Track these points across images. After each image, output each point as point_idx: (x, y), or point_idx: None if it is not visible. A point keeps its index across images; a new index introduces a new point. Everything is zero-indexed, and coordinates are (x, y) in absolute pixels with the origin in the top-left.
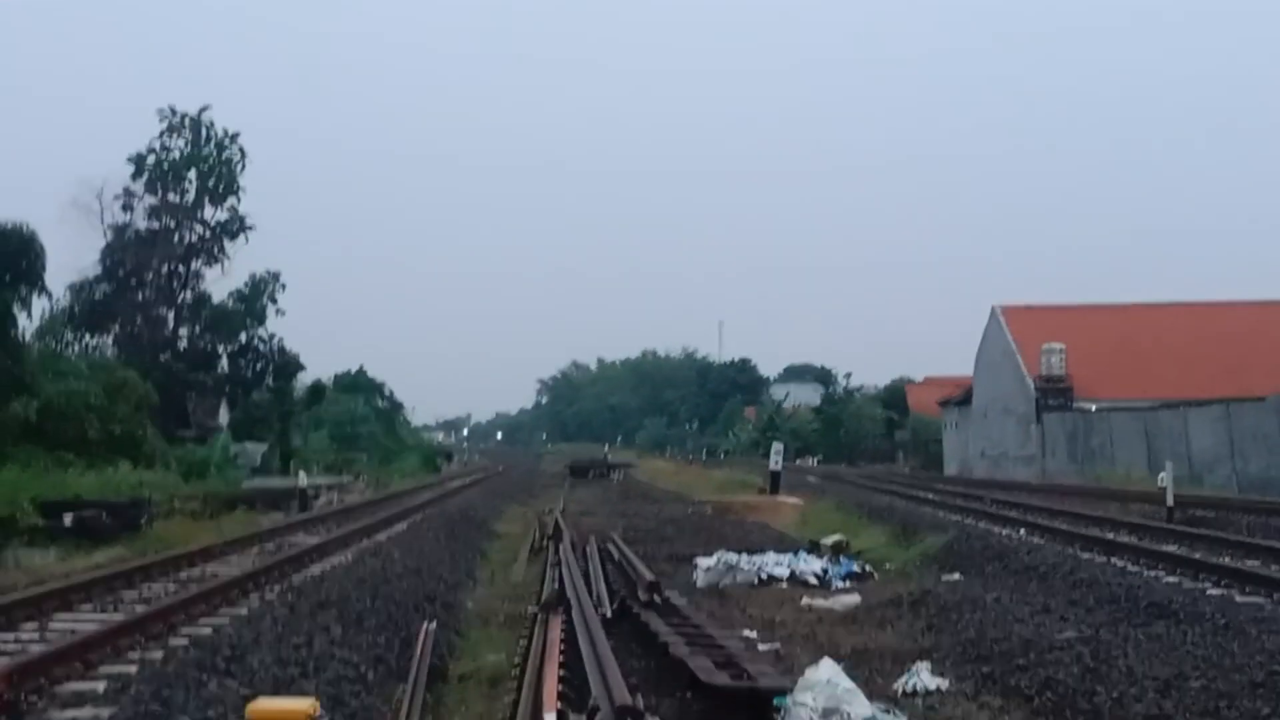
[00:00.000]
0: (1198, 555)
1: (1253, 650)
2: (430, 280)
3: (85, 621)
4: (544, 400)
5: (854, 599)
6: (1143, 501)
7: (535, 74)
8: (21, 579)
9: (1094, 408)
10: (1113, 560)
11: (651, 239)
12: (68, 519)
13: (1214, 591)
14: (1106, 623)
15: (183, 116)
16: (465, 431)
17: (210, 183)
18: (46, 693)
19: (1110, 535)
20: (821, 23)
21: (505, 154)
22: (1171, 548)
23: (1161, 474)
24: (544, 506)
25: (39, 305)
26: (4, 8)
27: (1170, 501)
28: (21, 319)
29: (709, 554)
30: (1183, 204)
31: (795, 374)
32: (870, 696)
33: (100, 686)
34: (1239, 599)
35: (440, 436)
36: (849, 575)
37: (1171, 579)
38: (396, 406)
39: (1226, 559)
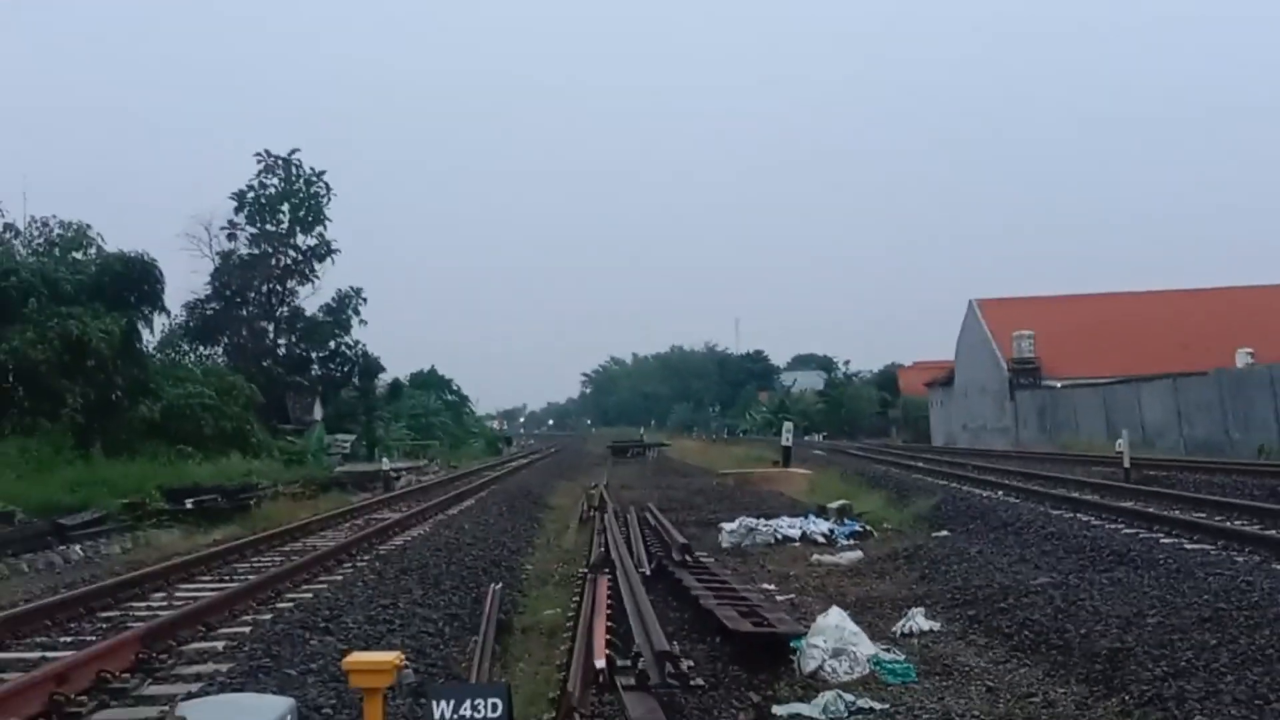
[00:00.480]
0: (1152, 510)
1: (1201, 590)
2: (489, 289)
3: (205, 590)
4: (588, 391)
5: (857, 555)
6: (1103, 465)
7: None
8: (151, 555)
9: (1059, 385)
10: (1079, 516)
11: (677, 248)
12: (189, 503)
13: (1166, 540)
14: (1075, 570)
15: (276, 158)
16: (521, 419)
17: (300, 214)
18: (175, 652)
19: (1076, 494)
20: (828, 34)
21: (544, 189)
22: (1129, 504)
23: (1119, 440)
24: (590, 482)
25: (159, 322)
26: (125, 82)
27: (1127, 464)
28: (145, 334)
29: (732, 519)
30: (1137, 201)
31: (802, 362)
32: (873, 638)
33: (220, 645)
34: (1188, 546)
35: (495, 424)
36: (852, 534)
37: (1130, 530)
38: (463, 399)
39: (1177, 512)
